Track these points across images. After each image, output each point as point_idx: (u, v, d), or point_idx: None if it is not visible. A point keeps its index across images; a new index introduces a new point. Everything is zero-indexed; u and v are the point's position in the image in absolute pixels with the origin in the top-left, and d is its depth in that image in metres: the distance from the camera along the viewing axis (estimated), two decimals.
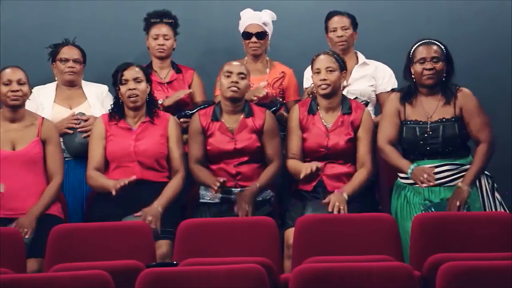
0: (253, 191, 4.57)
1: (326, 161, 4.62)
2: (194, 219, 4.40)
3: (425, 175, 4.36)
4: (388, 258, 3.82)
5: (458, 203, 4.37)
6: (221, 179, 4.51)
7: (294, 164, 4.63)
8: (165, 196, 4.52)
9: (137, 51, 5.34)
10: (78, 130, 4.77)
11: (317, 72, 4.64)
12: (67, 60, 4.89)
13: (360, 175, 4.59)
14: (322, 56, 4.67)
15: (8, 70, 4.53)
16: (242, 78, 4.67)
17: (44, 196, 4.46)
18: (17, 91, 4.48)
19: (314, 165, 4.51)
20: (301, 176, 4.50)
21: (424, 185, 4.36)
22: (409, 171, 4.44)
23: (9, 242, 4.10)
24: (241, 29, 5.12)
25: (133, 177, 4.44)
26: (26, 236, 4.28)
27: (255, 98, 4.86)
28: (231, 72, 4.67)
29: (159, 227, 4.41)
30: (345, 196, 4.48)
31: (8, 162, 4.46)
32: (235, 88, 4.66)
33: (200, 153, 4.69)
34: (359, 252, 4.03)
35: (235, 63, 4.75)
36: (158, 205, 4.47)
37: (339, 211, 4.40)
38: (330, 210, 4.41)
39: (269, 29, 5.12)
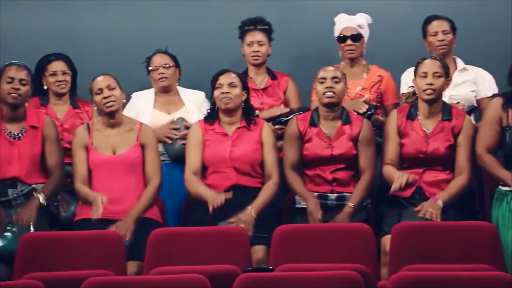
0: (348, 214, 4.55)
1: (424, 167, 4.57)
2: (290, 225, 4.40)
3: None
4: (488, 268, 3.75)
5: None
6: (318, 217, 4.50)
7: (389, 171, 4.58)
8: (259, 202, 4.55)
9: (232, 58, 5.38)
10: (179, 137, 4.83)
11: (423, 76, 4.59)
12: (157, 68, 4.98)
13: (458, 182, 4.52)
14: (429, 61, 4.62)
15: (98, 79, 4.63)
16: (337, 82, 4.66)
17: (142, 199, 4.54)
18: (109, 96, 4.58)
19: (405, 178, 4.44)
20: (391, 191, 4.45)
21: None
22: None
23: (110, 245, 4.20)
24: (336, 33, 5.10)
25: (230, 194, 4.48)
26: (126, 239, 4.37)
27: (354, 113, 4.83)
28: (325, 78, 4.66)
29: (252, 232, 4.43)
30: (440, 204, 4.42)
31: (109, 166, 4.57)
32: (330, 94, 4.65)
33: (295, 158, 4.69)
34: (458, 261, 3.97)
35: (329, 67, 4.73)
36: (251, 210, 4.51)
37: (431, 216, 4.34)
38: (421, 215, 4.36)
39: (365, 32, 5.08)
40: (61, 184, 4.61)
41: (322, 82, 4.66)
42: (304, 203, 4.62)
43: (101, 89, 4.59)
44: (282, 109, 5.00)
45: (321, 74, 4.68)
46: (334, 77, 4.65)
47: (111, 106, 4.59)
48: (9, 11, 5.54)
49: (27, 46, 5.38)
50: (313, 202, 4.55)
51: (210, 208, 4.47)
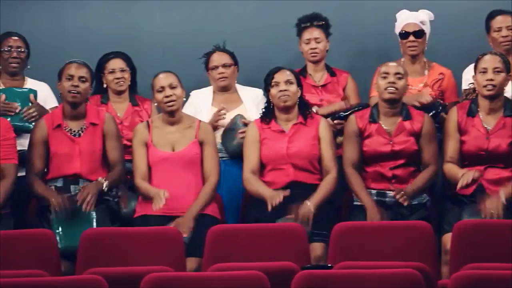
0: (405, 194, 4.51)
1: (486, 165, 4.50)
2: (348, 222, 4.39)
3: None
4: None
5: None
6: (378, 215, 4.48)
7: (451, 168, 4.54)
8: (318, 196, 4.54)
9: (290, 55, 5.37)
10: (238, 134, 4.84)
11: (483, 72, 4.53)
12: (216, 67, 4.99)
13: None
14: (488, 56, 4.55)
15: (160, 76, 4.65)
16: (399, 78, 4.62)
17: (200, 196, 4.56)
18: (170, 95, 4.60)
19: (471, 175, 4.39)
20: (458, 187, 4.41)
21: None
22: None
23: (170, 241, 4.23)
24: (398, 30, 5.05)
25: (287, 192, 4.48)
26: (185, 235, 4.40)
27: (418, 104, 4.78)
28: (387, 73, 4.62)
29: (310, 228, 4.42)
30: (503, 200, 4.34)
31: (168, 163, 4.60)
32: (392, 89, 4.61)
33: (355, 155, 4.66)
34: None
35: (391, 63, 4.70)
36: (310, 204, 4.49)
37: (492, 216, 4.28)
38: (483, 216, 4.30)
39: (427, 29, 5.02)
40: (122, 178, 4.66)
41: (384, 77, 4.63)
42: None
43: (163, 87, 4.61)
44: (341, 105, 4.97)
45: (384, 69, 4.65)
46: (397, 73, 4.62)
47: (171, 106, 4.61)
48: (73, 11, 5.63)
49: (90, 45, 5.44)
50: (373, 210, 4.49)
51: (269, 207, 4.47)
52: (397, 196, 4.51)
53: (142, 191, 4.56)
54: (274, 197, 4.47)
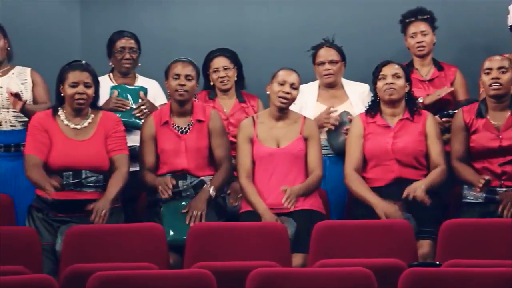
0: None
1: None
2: (457, 219, 4.30)
3: None
4: None
5: None
6: (486, 177, 4.37)
7: None
8: (427, 180, 4.47)
9: (396, 49, 5.31)
10: (343, 131, 4.82)
11: None
12: (323, 63, 4.97)
13: None
14: None
15: (285, 72, 4.63)
16: (504, 73, 4.52)
17: (306, 181, 4.54)
18: (289, 93, 4.61)
19: None
20: None
21: None
22: None
23: (275, 236, 4.23)
24: (510, 22, 4.93)
25: (401, 206, 4.42)
26: (290, 205, 4.41)
27: None
28: (490, 69, 4.53)
29: (427, 199, 4.37)
30: None
31: (273, 159, 4.61)
32: (496, 85, 4.51)
33: (462, 150, 4.58)
34: None
35: (495, 57, 4.59)
36: (421, 183, 4.43)
37: None
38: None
39: None
40: (230, 176, 4.69)
41: (488, 73, 4.53)
42: (472, 197, 4.49)
43: (285, 82, 4.60)
44: (446, 90, 4.88)
45: (487, 64, 4.55)
46: (500, 67, 4.51)
47: (285, 103, 4.62)
48: (182, 9, 5.73)
49: (199, 43, 5.48)
50: (481, 180, 4.41)
51: (382, 216, 4.40)
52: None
53: (247, 197, 4.53)
54: (387, 212, 4.39)
